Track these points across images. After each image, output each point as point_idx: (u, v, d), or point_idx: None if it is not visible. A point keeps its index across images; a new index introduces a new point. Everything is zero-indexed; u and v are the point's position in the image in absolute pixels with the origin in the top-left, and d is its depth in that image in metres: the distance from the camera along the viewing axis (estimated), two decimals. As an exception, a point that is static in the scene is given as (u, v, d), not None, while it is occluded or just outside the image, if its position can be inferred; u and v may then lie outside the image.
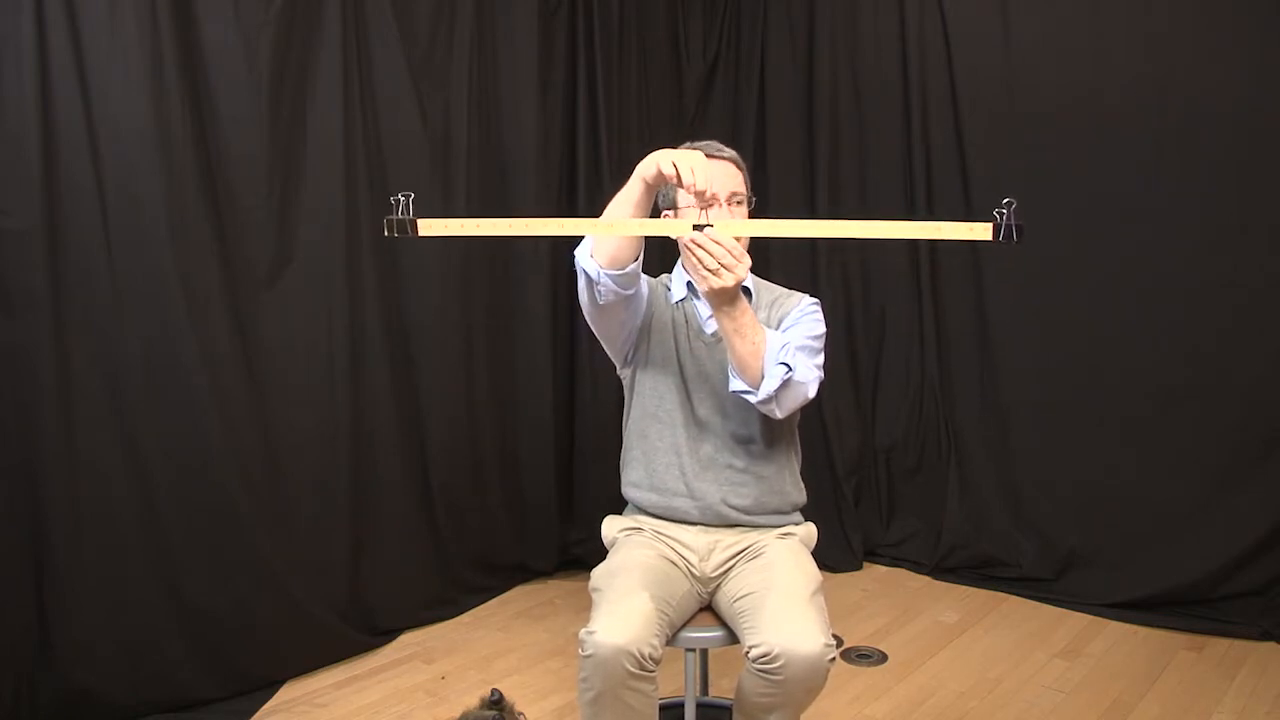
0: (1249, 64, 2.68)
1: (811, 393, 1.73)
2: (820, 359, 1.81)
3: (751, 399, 1.70)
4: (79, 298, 2.14)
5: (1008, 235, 1.41)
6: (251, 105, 2.41)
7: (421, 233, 1.49)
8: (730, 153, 1.86)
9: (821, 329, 1.85)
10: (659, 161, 1.56)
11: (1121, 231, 2.92)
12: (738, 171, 1.85)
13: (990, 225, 1.42)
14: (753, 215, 1.92)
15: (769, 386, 1.66)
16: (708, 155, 1.64)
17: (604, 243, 1.65)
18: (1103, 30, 2.90)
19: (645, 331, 1.87)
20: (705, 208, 1.73)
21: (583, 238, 1.72)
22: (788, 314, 1.86)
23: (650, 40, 3.44)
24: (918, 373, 3.43)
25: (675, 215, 1.86)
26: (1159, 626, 2.80)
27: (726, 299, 1.63)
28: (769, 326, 1.84)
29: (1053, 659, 2.64)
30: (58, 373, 2.11)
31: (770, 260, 3.46)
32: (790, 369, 1.67)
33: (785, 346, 1.69)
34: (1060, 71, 2.99)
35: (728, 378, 1.84)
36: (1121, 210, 2.91)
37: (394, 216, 1.48)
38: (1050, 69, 3.01)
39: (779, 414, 1.72)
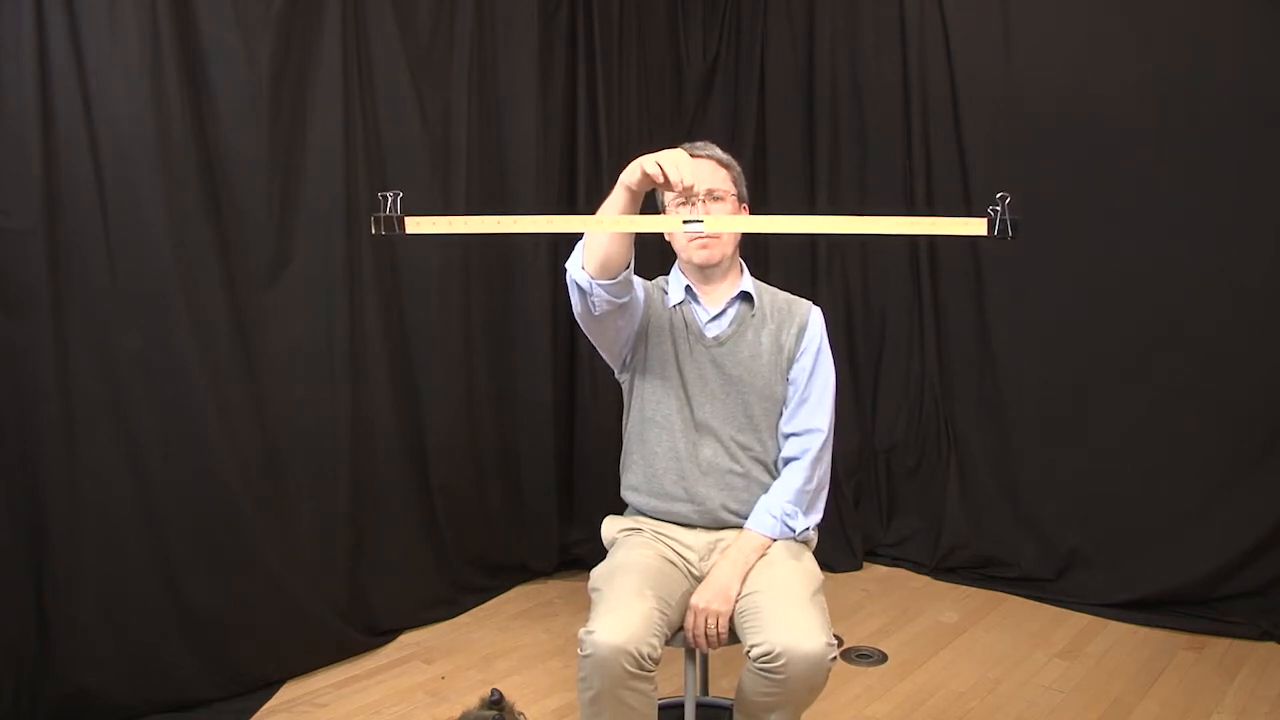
0: (1250, 63, 2.68)
1: (823, 473, 1.87)
2: (830, 408, 1.88)
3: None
4: (79, 298, 2.14)
5: (1002, 230, 1.40)
6: (251, 105, 2.41)
7: (409, 230, 1.47)
8: (715, 151, 1.87)
9: (831, 380, 1.89)
10: (642, 165, 1.54)
11: (1122, 231, 2.91)
12: (719, 169, 1.85)
13: (985, 220, 1.41)
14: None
15: (799, 529, 1.81)
16: (691, 154, 1.64)
17: (593, 252, 1.64)
18: (1103, 29, 2.90)
19: (642, 335, 1.86)
20: (690, 202, 1.74)
21: (573, 249, 1.71)
22: (795, 349, 1.87)
23: (650, 40, 3.44)
24: (918, 373, 3.43)
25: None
26: (1159, 626, 2.80)
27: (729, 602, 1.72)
28: (777, 348, 1.86)
29: (1053, 659, 2.64)
30: (58, 373, 2.11)
31: (770, 260, 3.47)
32: (793, 530, 1.80)
33: (776, 521, 1.80)
34: (1060, 71, 2.99)
35: (727, 381, 1.85)
36: (1122, 209, 2.91)
37: (381, 214, 1.47)
38: (1050, 69, 3.01)
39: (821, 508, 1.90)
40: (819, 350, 1.87)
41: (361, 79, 2.64)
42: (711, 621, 1.69)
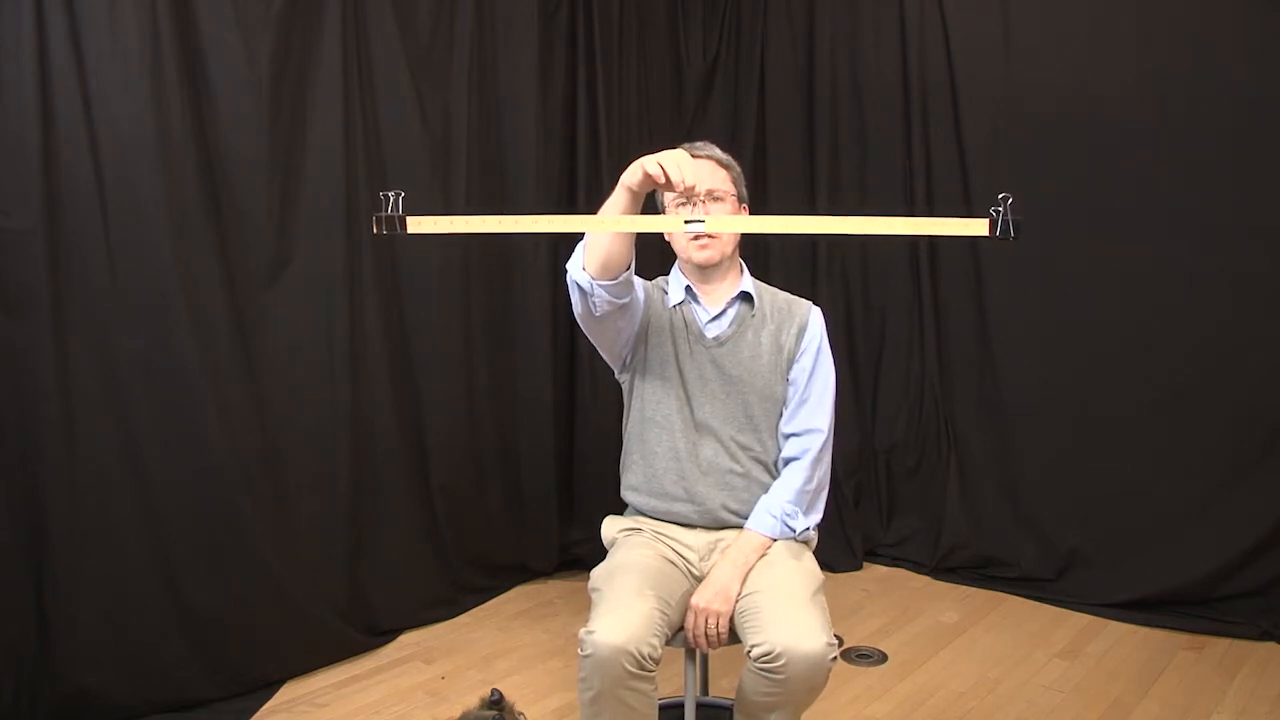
0: (1250, 63, 2.68)
1: (823, 473, 1.87)
2: (830, 408, 1.88)
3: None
4: (79, 298, 2.14)
5: (1004, 231, 1.39)
6: (251, 105, 2.41)
7: (411, 230, 1.47)
8: (715, 151, 1.87)
9: (831, 380, 1.88)
10: (644, 165, 1.54)
11: (1121, 231, 2.91)
12: (719, 169, 1.85)
13: (987, 221, 1.40)
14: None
15: (799, 529, 1.81)
16: (691, 155, 1.64)
17: (594, 253, 1.64)
18: (1103, 29, 2.90)
19: (642, 336, 1.86)
20: (691, 202, 1.74)
21: (574, 250, 1.71)
22: (795, 349, 1.87)
23: (650, 40, 3.44)
24: (918, 373, 3.43)
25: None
26: (1159, 626, 2.80)
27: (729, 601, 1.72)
28: (777, 348, 1.86)
29: (1053, 659, 2.64)
30: (58, 373, 2.11)
31: (770, 260, 3.47)
32: (793, 530, 1.80)
33: (776, 521, 1.80)
34: (1060, 71, 2.99)
35: (727, 381, 1.85)
36: (1121, 209, 2.91)
37: (383, 214, 1.47)
38: (1050, 69, 3.01)
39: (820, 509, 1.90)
40: (819, 350, 1.88)
41: (361, 79, 2.64)
42: (712, 621, 1.69)
